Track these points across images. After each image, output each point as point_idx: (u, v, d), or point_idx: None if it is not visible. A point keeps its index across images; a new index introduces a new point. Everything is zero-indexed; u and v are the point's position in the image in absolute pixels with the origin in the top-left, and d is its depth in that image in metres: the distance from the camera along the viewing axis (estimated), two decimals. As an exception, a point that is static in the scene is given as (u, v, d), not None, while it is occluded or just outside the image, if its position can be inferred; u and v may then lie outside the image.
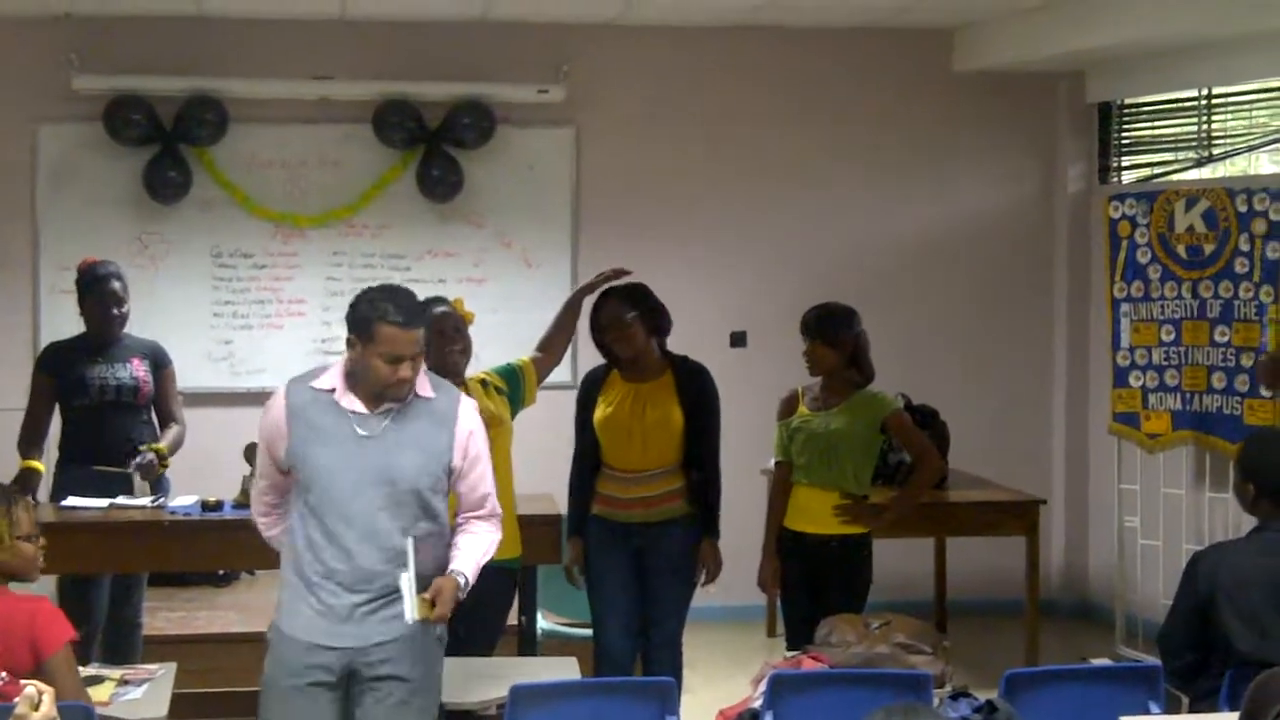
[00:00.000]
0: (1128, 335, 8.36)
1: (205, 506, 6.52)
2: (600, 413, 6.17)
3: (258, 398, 8.75)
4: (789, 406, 6.41)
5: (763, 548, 6.41)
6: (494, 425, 5.87)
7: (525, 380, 6.11)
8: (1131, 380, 8.35)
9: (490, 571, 5.81)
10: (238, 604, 8.06)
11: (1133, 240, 8.30)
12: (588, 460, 6.23)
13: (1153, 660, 4.94)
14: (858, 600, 6.12)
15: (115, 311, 6.74)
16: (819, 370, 6.28)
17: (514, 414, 6.04)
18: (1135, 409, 8.35)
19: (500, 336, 8.11)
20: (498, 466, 5.88)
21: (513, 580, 6.06)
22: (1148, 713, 4.64)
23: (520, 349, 6.33)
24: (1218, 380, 8.01)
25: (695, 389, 6.20)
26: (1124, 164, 9.47)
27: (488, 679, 5.03)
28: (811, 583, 6.21)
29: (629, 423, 6.12)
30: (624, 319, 6.10)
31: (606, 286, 6.26)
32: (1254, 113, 8.64)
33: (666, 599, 6.14)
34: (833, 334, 6.22)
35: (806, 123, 9.39)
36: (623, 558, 6.15)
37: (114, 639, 6.60)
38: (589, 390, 6.26)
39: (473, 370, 6.03)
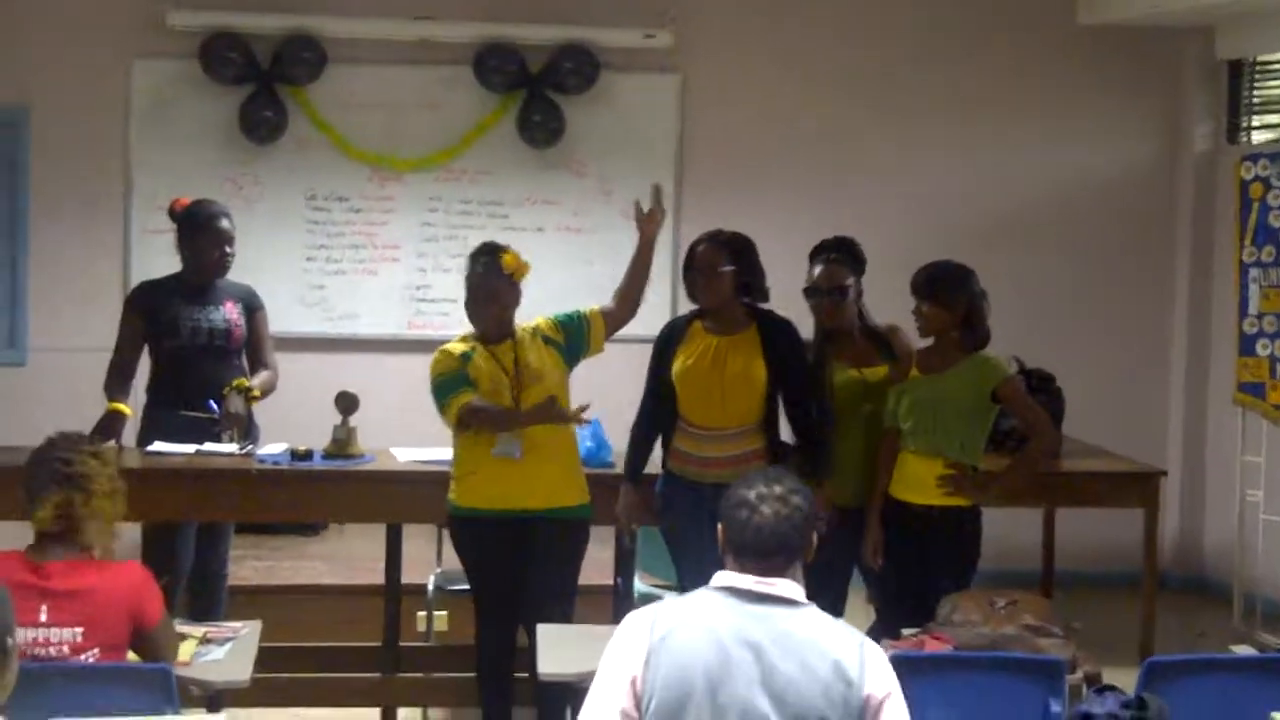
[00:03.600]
0: (1256, 302, 7.99)
1: (295, 455, 6.29)
2: (679, 364, 5.88)
3: (350, 344, 8.75)
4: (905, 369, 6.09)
5: (867, 517, 6.08)
6: (531, 382, 5.67)
7: (591, 330, 5.90)
8: (1259, 349, 7.98)
9: (557, 519, 5.68)
10: (325, 554, 7.88)
11: (1265, 203, 7.92)
12: (657, 411, 5.95)
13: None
14: (962, 578, 5.71)
15: (228, 250, 6.51)
16: (929, 331, 5.93)
17: (574, 363, 5.87)
18: (1262, 378, 7.99)
19: (596, 288, 7.80)
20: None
21: (585, 531, 5.86)
22: (1299, 707, 4.32)
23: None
24: (1350, 350, 7.65)
25: (783, 344, 5.89)
26: (1255, 124, 9.07)
27: (586, 648, 4.74)
28: (913, 555, 5.86)
29: (708, 376, 5.83)
30: (718, 268, 5.83)
31: (714, 231, 5.98)
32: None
33: None
34: (945, 294, 5.85)
35: (924, 75, 9.06)
36: (702, 518, 5.82)
37: (198, 589, 6.40)
38: (668, 340, 5.97)
39: (529, 318, 5.88)
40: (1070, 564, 8.17)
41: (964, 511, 5.83)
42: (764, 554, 3.52)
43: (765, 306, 5.99)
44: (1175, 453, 9.17)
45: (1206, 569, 9.13)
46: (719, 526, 3.64)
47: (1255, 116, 9.07)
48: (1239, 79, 9.10)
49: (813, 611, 3.53)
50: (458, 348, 5.75)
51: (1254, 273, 7.99)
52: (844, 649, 3.45)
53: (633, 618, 3.56)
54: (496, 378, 5.67)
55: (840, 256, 6.04)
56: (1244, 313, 8.03)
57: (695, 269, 5.91)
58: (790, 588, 3.53)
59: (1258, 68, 9.03)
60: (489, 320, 5.74)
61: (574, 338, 5.87)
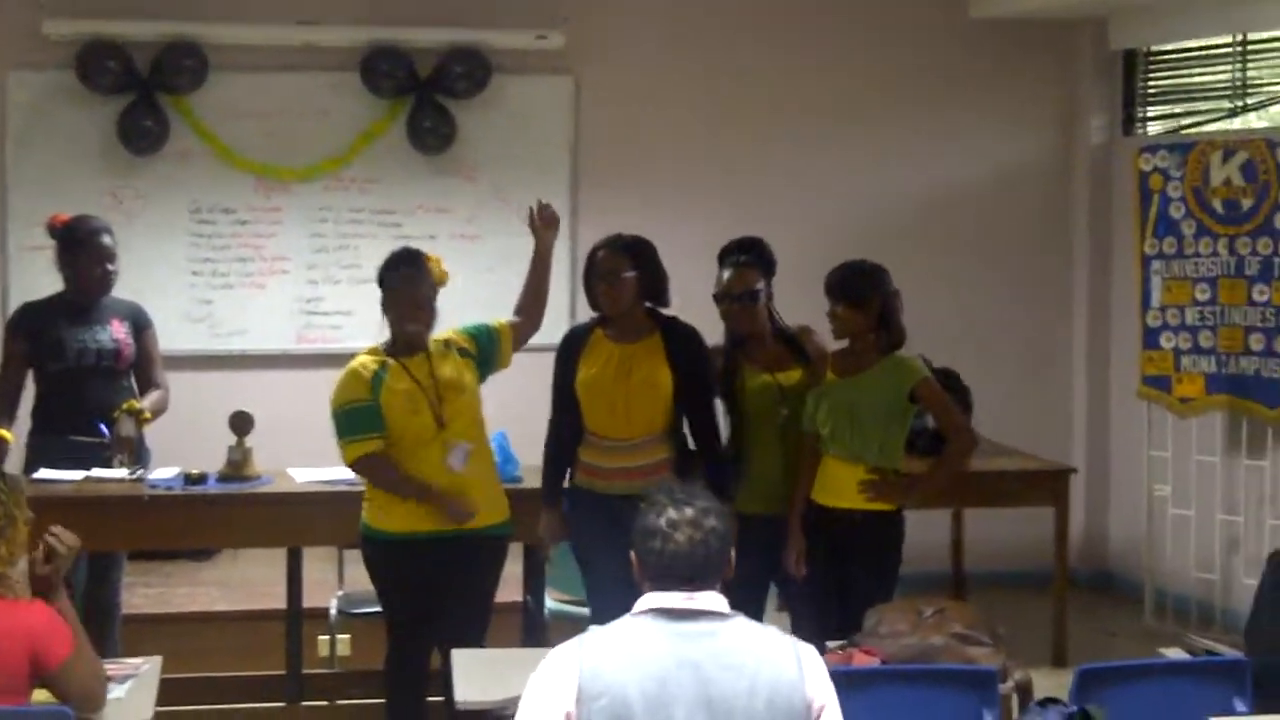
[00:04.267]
0: (1159, 294, 7.96)
1: (188, 479, 6.09)
2: (582, 374, 5.70)
3: (239, 361, 8.49)
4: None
5: (789, 523, 5.85)
6: (451, 394, 5.48)
7: (500, 342, 5.72)
8: (1163, 341, 7.95)
9: (478, 539, 5.51)
10: (219, 579, 7.67)
11: (1165, 194, 7.90)
12: (566, 424, 5.78)
13: (1236, 653, 4.50)
14: (885, 583, 5.63)
15: (110, 268, 6.28)
16: (844, 333, 5.78)
17: (483, 377, 5.66)
18: (1166, 371, 7.96)
19: (494, 296, 7.63)
20: (465, 429, 5.52)
21: (504, 549, 5.69)
22: (1234, 711, 4.23)
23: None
24: (1255, 342, 7.62)
25: (687, 352, 5.73)
26: (1150, 114, 9.04)
27: (504, 673, 4.57)
28: (836, 561, 5.72)
29: (612, 385, 5.66)
30: (621, 273, 5.66)
31: (614, 236, 5.80)
32: (1292, 60, 8.21)
33: None
34: (858, 295, 5.72)
35: (818, 72, 8.95)
36: (610, 532, 5.64)
37: (91, 622, 6.11)
38: (569, 349, 5.78)
39: (441, 328, 5.66)
40: (976, 563, 8.12)
41: (887, 515, 5.72)
42: (683, 580, 3.40)
43: (669, 311, 5.85)
44: (1079, 449, 9.10)
45: (1112, 566, 9.06)
46: (632, 556, 3.48)
47: (1150, 107, 9.04)
48: (1133, 70, 9.05)
49: (741, 621, 3.43)
50: (369, 366, 5.49)
51: (1156, 265, 7.95)
52: (780, 655, 3.38)
53: (558, 652, 3.40)
54: (413, 394, 5.44)
55: (749, 259, 5.89)
56: (1146, 305, 7.99)
57: (597, 275, 5.74)
58: (716, 600, 3.42)
59: (1151, 58, 8.99)
60: (419, 329, 5.50)
61: (485, 350, 5.68)
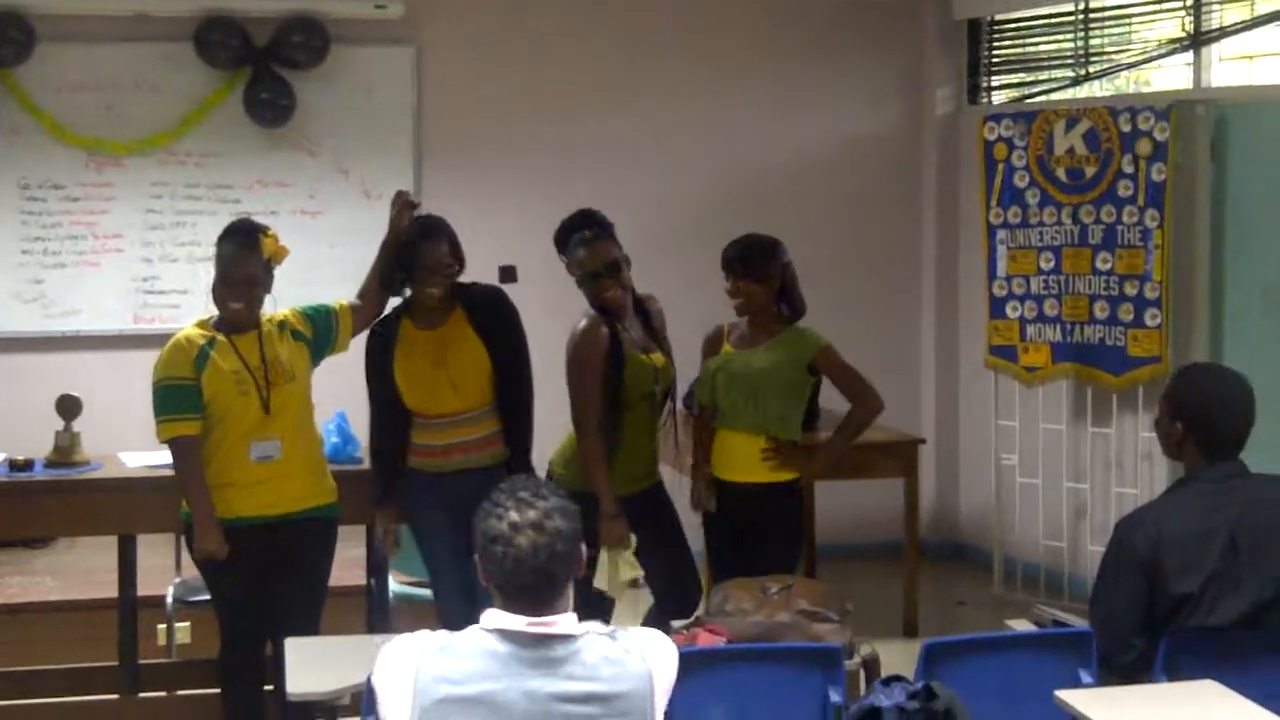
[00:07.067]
0: (1004, 264, 7.97)
1: (13, 466, 5.87)
2: (401, 367, 5.56)
3: (71, 342, 8.24)
4: (713, 345, 5.87)
5: (692, 482, 5.89)
6: (281, 380, 5.32)
7: (339, 325, 5.56)
8: (1009, 311, 7.96)
9: (302, 522, 5.39)
10: (54, 568, 7.38)
11: (1009, 163, 7.91)
12: (391, 418, 5.61)
13: (1083, 624, 4.47)
14: (791, 552, 5.69)
15: None
16: (749, 309, 5.75)
17: (318, 359, 5.51)
18: (1013, 341, 7.98)
19: (338, 273, 7.57)
20: (292, 417, 5.36)
21: (331, 532, 5.55)
22: (1080, 683, 4.20)
23: (359, 286, 5.73)
24: (1100, 310, 7.65)
25: (491, 317, 5.61)
26: (995, 84, 9.04)
27: (337, 661, 4.44)
28: (739, 536, 5.71)
29: (433, 372, 5.54)
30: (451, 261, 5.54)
31: (421, 216, 5.66)
32: (1134, 27, 8.23)
33: None
34: (760, 269, 5.69)
35: (666, 42, 8.86)
36: (449, 511, 5.51)
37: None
38: (383, 343, 5.59)
39: (282, 306, 5.51)
40: (827, 536, 8.08)
41: (788, 485, 5.73)
42: (528, 590, 3.18)
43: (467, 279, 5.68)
44: (928, 419, 9.08)
45: (962, 535, 9.09)
46: (476, 559, 3.28)
47: (995, 76, 9.04)
48: (977, 39, 9.05)
49: (591, 641, 3.21)
50: (195, 341, 5.28)
51: (1001, 234, 7.96)
52: (632, 665, 3.21)
53: (394, 658, 3.20)
54: (240, 375, 5.26)
55: (596, 232, 5.74)
56: (993, 275, 8.00)
57: (426, 268, 5.53)
58: (567, 622, 3.21)
59: (995, 27, 8.99)
60: (241, 308, 5.29)
61: (321, 333, 5.51)
